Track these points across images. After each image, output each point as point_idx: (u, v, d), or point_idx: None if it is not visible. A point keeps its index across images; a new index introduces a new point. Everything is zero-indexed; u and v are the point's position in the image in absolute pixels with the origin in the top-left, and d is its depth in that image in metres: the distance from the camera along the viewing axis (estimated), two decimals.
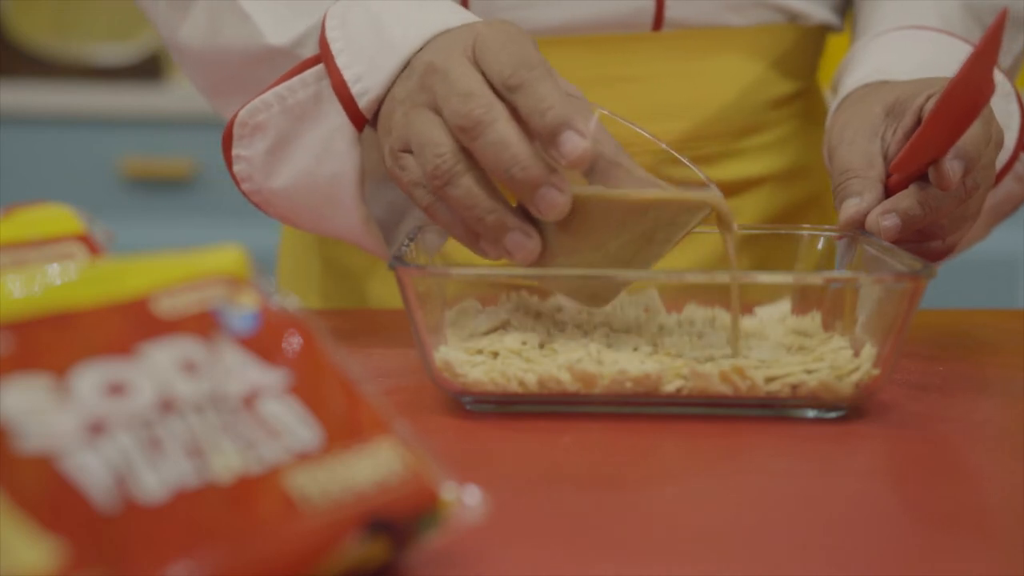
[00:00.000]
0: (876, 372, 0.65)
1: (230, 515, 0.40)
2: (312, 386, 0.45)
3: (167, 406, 0.41)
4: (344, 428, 0.44)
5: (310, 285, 1.02)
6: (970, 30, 0.90)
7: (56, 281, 0.42)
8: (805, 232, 0.78)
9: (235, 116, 0.80)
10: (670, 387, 0.64)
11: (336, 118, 0.76)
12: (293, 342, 0.46)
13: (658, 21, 0.91)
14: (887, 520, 0.53)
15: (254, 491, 0.41)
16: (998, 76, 0.85)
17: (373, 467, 0.44)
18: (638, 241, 0.68)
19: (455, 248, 0.77)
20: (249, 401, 0.43)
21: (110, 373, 0.41)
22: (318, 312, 0.72)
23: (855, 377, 0.64)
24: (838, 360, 0.65)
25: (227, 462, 0.41)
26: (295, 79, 0.78)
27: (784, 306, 0.74)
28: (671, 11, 0.90)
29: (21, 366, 0.40)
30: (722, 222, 0.70)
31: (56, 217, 0.58)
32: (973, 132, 0.72)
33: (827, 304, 0.72)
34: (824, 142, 0.81)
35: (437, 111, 0.68)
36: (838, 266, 0.76)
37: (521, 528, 0.51)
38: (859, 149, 0.76)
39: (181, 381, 0.42)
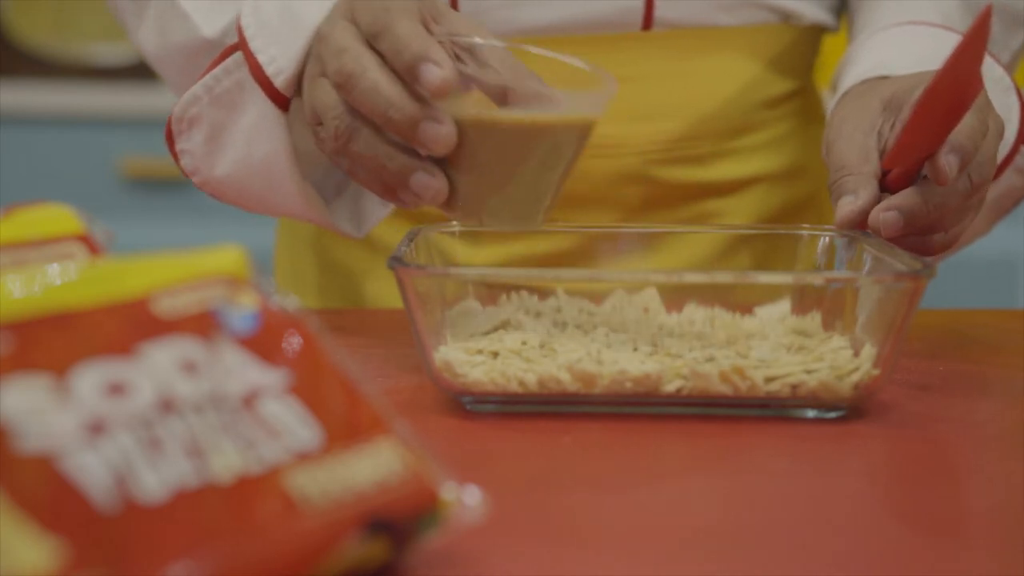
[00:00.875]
0: (876, 372, 0.65)
1: (230, 515, 0.40)
2: (312, 386, 0.45)
3: (167, 406, 0.41)
4: (344, 428, 0.44)
5: (306, 284, 1.02)
6: (968, 26, 0.90)
7: (56, 281, 0.42)
8: (805, 232, 0.78)
9: (171, 114, 0.82)
10: (670, 387, 0.64)
11: (261, 102, 0.77)
12: (293, 342, 0.46)
13: (647, 21, 0.91)
14: (887, 520, 0.53)
15: (254, 491, 0.41)
16: (997, 71, 0.85)
17: (373, 467, 0.44)
18: (537, 169, 0.70)
19: (456, 248, 0.77)
20: (249, 401, 0.43)
21: (110, 373, 0.41)
22: (318, 312, 0.72)
23: (855, 377, 0.64)
24: (838, 360, 0.65)
25: (227, 462, 0.41)
26: (218, 68, 0.79)
27: (784, 306, 0.74)
28: (660, 11, 0.90)
29: (21, 366, 0.40)
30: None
31: (56, 217, 0.58)
32: (967, 124, 0.72)
33: (827, 304, 0.72)
34: (823, 137, 0.81)
35: (326, 76, 0.71)
36: (838, 266, 0.76)
37: (521, 528, 0.51)
38: (855, 144, 0.76)
39: (181, 381, 0.42)
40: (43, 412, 0.39)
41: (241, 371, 0.44)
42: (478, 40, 0.71)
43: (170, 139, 0.83)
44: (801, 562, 0.48)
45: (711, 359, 0.66)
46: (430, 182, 0.69)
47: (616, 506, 0.54)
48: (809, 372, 0.65)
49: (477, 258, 0.78)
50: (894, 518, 0.54)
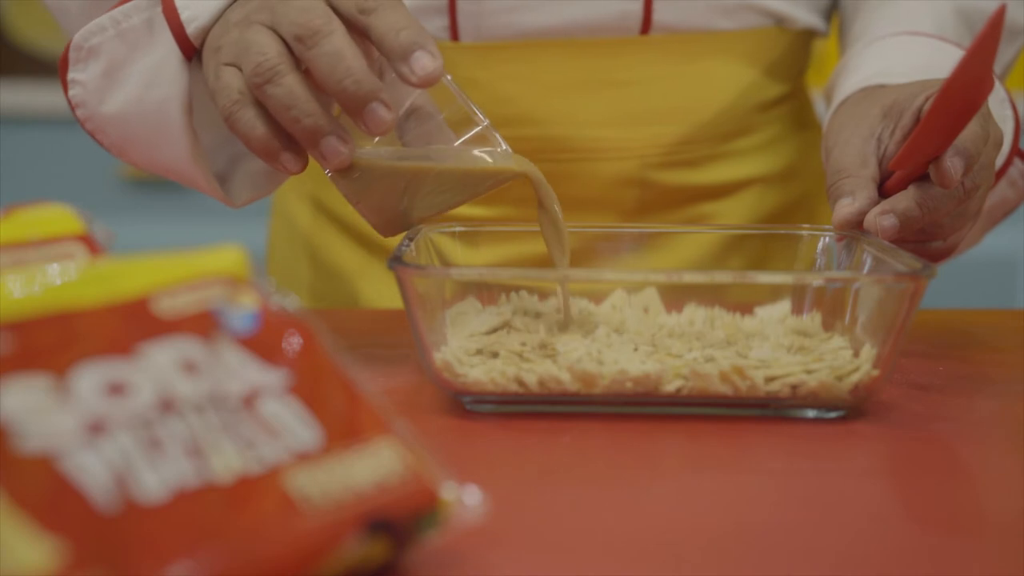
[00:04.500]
0: (876, 372, 0.65)
1: (230, 515, 0.40)
2: (312, 386, 0.45)
3: (167, 406, 0.41)
4: (344, 428, 0.44)
5: (299, 285, 1.02)
6: (962, 37, 0.91)
7: (56, 281, 0.42)
8: (804, 232, 0.78)
9: (71, 40, 0.80)
10: (670, 387, 0.65)
11: (167, 45, 0.75)
12: (293, 342, 0.46)
13: (646, 24, 0.91)
14: (887, 520, 0.53)
15: (254, 491, 0.41)
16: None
17: (373, 467, 0.44)
18: (446, 191, 0.73)
19: (456, 248, 0.77)
20: (249, 401, 0.43)
21: (110, 373, 0.41)
22: (318, 312, 0.72)
23: (855, 377, 0.64)
24: (838, 360, 0.65)
25: (227, 462, 0.41)
26: (129, 4, 0.78)
27: (784, 306, 0.74)
28: (659, 14, 0.90)
29: (21, 366, 0.40)
30: (538, 190, 0.74)
31: (56, 217, 0.58)
32: (972, 130, 0.72)
33: (827, 304, 0.72)
34: (822, 145, 0.82)
35: (272, 27, 0.69)
36: (838, 266, 0.76)
37: (521, 528, 0.51)
38: (853, 149, 0.76)
39: (181, 381, 0.42)
40: (43, 412, 0.39)
41: (241, 371, 0.44)
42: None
43: (64, 66, 0.80)
44: (801, 562, 0.48)
45: (711, 359, 0.66)
46: (341, 148, 0.69)
47: (616, 506, 0.54)
48: (809, 372, 0.65)
49: (477, 258, 0.78)
50: (894, 518, 0.54)
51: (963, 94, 0.69)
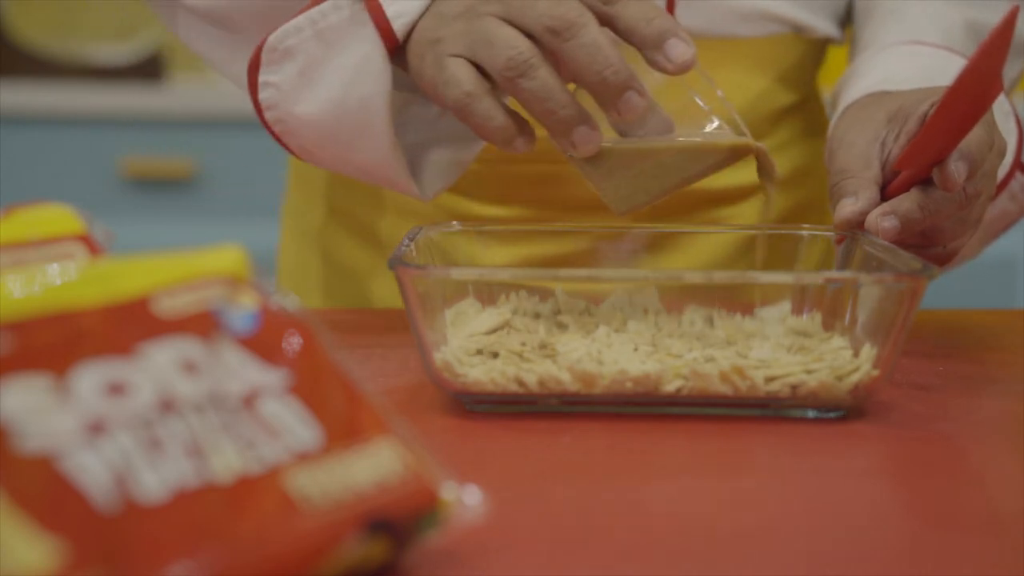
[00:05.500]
0: (876, 372, 0.65)
1: (230, 515, 0.40)
2: (312, 386, 0.45)
3: (167, 406, 0.41)
4: (344, 428, 0.44)
5: (311, 284, 1.02)
6: (970, 49, 0.91)
7: (56, 281, 0.42)
8: (805, 232, 0.78)
9: (263, 41, 0.79)
10: (670, 387, 0.64)
11: (368, 42, 0.75)
12: (293, 342, 0.46)
13: None
14: (887, 520, 0.53)
15: (254, 491, 0.41)
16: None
17: (373, 467, 0.44)
18: (683, 169, 0.76)
19: (457, 248, 0.77)
20: (249, 401, 0.43)
21: (110, 373, 0.41)
22: (318, 312, 0.72)
23: (855, 377, 0.64)
24: (838, 360, 0.65)
25: (227, 462, 0.41)
26: (327, 2, 0.77)
27: (784, 306, 0.74)
28: (681, 19, 0.90)
29: (21, 366, 0.40)
30: (762, 169, 0.78)
31: (56, 217, 0.58)
32: (976, 135, 0.72)
33: (827, 304, 0.72)
34: (825, 147, 0.82)
35: (507, 19, 0.70)
36: (838, 266, 0.76)
37: (521, 528, 0.51)
38: (857, 151, 0.76)
39: (181, 381, 0.42)
40: (43, 412, 0.39)
41: (241, 371, 0.44)
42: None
43: (254, 69, 0.79)
44: (801, 562, 0.48)
45: (711, 359, 0.66)
46: (594, 137, 0.72)
47: (616, 506, 0.54)
48: (809, 372, 0.65)
49: (478, 258, 0.78)
50: (894, 518, 0.54)
51: (971, 95, 0.69)
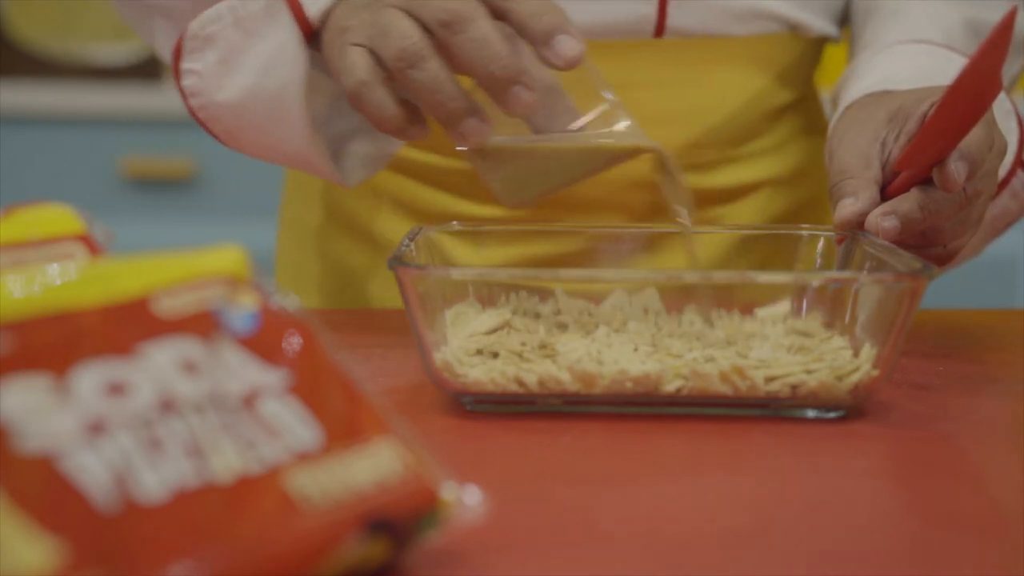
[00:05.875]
0: (876, 372, 0.65)
1: (230, 515, 0.40)
2: (312, 386, 0.45)
3: (167, 406, 0.41)
4: (344, 428, 0.44)
5: (309, 284, 1.02)
6: (970, 48, 0.91)
7: (56, 281, 0.42)
8: (805, 232, 0.78)
9: (185, 29, 0.80)
10: (670, 387, 0.64)
11: (286, 30, 0.77)
12: (293, 342, 0.46)
13: (660, 28, 0.91)
14: (887, 520, 0.53)
15: (254, 491, 0.41)
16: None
17: (373, 467, 0.44)
18: (574, 168, 0.77)
19: (456, 248, 0.77)
20: (249, 401, 0.43)
21: (110, 373, 0.41)
22: (318, 312, 0.72)
23: (855, 377, 0.64)
24: (838, 360, 0.65)
25: (227, 462, 0.41)
26: None
27: (784, 306, 0.74)
28: (673, 19, 0.90)
29: (21, 366, 0.40)
30: (662, 169, 0.77)
31: (56, 217, 0.58)
32: (976, 135, 0.72)
33: (827, 304, 0.72)
34: (825, 147, 0.82)
35: (408, 11, 0.71)
36: (838, 266, 0.76)
37: (521, 528, 0.51)
38: (857, 151, 0.76)
39: (181, 381, 0.42)
40: (43, 412, 0.39)
41: (241, 371, 0.44)
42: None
43: (177, 56, 0.81)
44: (801, 562, 0.48)
45: (711, 359, 0.66)
46: (482, 129, 0.72)
47: (616, 506, 0.54)
48: (809, 372, 0.65)
49: (477, 258, 0.78)
50: (894, 518, 0.54)
51: (970, 95, 0.69)
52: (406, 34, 0.70)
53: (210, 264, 0.46)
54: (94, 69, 2.36)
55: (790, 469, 0.60)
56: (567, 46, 0.70)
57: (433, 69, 0.70)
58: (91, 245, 0.57)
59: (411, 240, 0.72)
